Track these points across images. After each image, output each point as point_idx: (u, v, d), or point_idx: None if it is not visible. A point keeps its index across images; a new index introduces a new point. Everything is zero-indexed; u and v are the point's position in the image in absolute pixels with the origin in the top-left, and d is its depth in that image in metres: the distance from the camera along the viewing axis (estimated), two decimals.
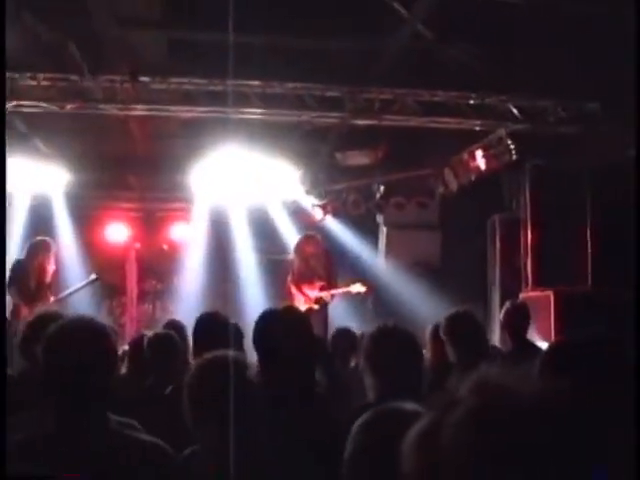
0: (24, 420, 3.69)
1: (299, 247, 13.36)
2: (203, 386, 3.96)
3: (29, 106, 12.37)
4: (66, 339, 3.49)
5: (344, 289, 13.21)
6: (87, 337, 3.50)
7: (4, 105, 7.38)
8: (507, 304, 8.38)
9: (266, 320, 4.30)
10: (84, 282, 13.60)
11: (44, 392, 3.55)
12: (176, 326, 7.77)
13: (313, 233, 14.00)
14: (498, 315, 12.32)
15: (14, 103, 12.31)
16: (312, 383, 4.37)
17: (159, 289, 17.02)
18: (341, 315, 13.68)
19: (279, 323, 4.25)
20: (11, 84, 12.15)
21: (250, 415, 3.91)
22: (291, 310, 4.77)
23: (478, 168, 13.83)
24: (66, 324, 3.60)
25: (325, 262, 13.28)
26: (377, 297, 15.13)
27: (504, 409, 1.58)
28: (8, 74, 11.93)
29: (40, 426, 3.49)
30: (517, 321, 7.98)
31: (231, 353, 4.45)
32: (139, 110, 12.59)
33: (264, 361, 4.23)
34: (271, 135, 13.94)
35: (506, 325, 8.15)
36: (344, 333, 8.75)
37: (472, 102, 12.49)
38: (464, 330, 6.44)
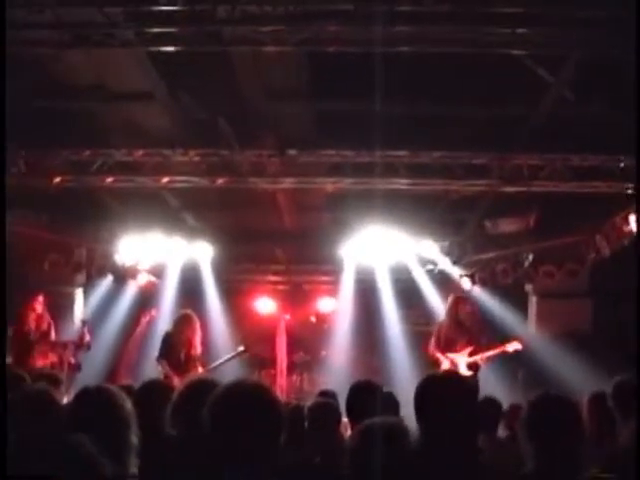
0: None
1: (453, 308, 13.09)
2: (366, 452, 3.90)
3: (181, 181, 12.72)
4: (234, 401, 3.48)
5: (500, 349, 12.87)
6: (255, 400, 3.48)
7: (4, 103, 7.60)
8: None
9: (429, 385, 4.20)
10: (232, 354, 13.74)
11: (208, 455, 3.53)
12: (330, 396, 7.76)
13: (465, 294, 13.82)
14: None
15: (167, 179, 12.70)
16: (475, 450, 4.24)
17: (307, 361, 17.04)
18: (490, 384, 13.36)
19: (442, 388, 4.15)
20: (164, 161, 12.55)
21: None
22: (453, 375, 4.66)
23: (631, 232, 13.41)
24: (233, 387, 3.58)
25: (480, 323, 13.09)
26: (527, 367, 14.76)
27: None
28: (163, 151, 12.35)
29: None
30: None
31: (391, 419, 4.38)
32: (287, 183, 12.77)
33: (426, 427, 4.12)
34: (418, 205, 13.92)
35: None
36: (490, 402, 8.53)
37: (622, 165, 12.16)
38: (634, 398, 6.15)
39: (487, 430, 7.75)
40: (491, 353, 12.80)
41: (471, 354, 12.69)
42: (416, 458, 3.97)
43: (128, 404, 4.14)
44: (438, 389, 4.17)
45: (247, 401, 3.47)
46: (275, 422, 3.49)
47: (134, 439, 4.07)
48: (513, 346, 12.90)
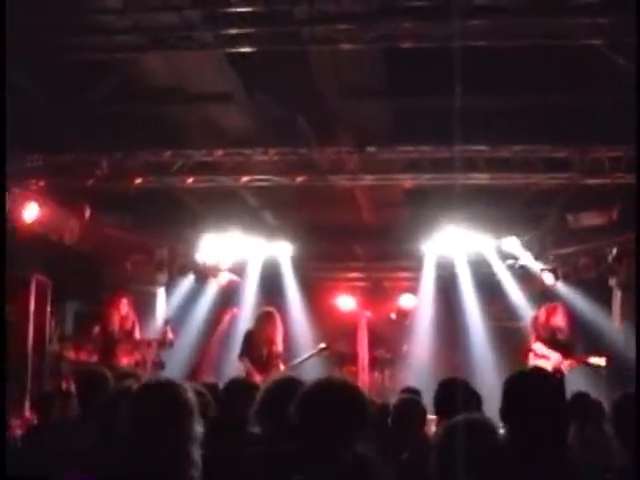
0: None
1: (545, 319, 13.00)
2: (452, 449, 3.89)
3: (261, 180, 12.80)
4: (323, 398, 3.50)
5: (583, 360, 12.76)
6: (345, 394, 3.50)
7: (4, 105, 7.70)
8: None
9: (517, 381, 4.15)
10: (314, 351, 13.81)
11: (295, 451, 3.56)
12: (413, 393, 7.77)
13: (557, 304, 13.60)
14: None
15: (247, 178, 12.80)
16: (564, 447, 4.19)
17: (388, 357, 16.99)
18: (574, 381, 13.21)
19: (531, 384, 4.10)
20: (244, 160, 12.65)
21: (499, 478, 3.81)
22: (542, 371, 4.59)
23: None
24: (321, 384, 3.61)
25: (570, 333, 12.95)
26: (611, 362, 14.53)
27: None
28: (243, 150, 12.44)
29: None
30: None
31: (477, 416, 4.36)
32: (367, 180, 12.77)
33: (513, 424, 4.07)
34: (497, 200, 13.79)
35: None
36: (580, 397, 8.42)
37: None
38: None
39: (576, 426, 7.67)
40: (575, 363, 12.69)
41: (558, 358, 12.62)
42: (503, 455, 3.94)
43: (189, 394, 4.14)
44: (527, 385, 4.12)
45: (335, 398, 3.49)
46: (362, 418, 3.51)
47: (197, 428, 4.06)
48: (597, 361, 12.72)
